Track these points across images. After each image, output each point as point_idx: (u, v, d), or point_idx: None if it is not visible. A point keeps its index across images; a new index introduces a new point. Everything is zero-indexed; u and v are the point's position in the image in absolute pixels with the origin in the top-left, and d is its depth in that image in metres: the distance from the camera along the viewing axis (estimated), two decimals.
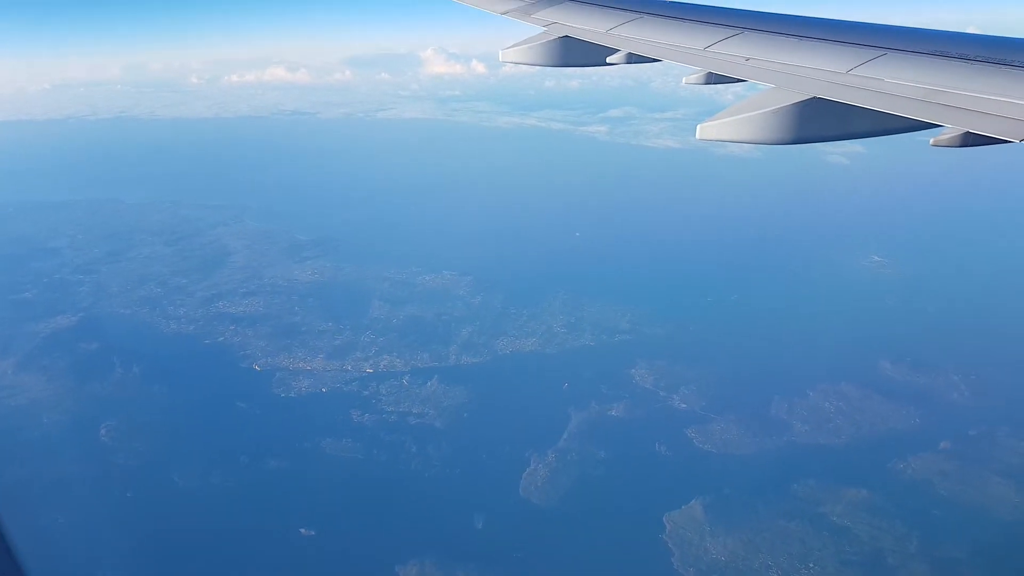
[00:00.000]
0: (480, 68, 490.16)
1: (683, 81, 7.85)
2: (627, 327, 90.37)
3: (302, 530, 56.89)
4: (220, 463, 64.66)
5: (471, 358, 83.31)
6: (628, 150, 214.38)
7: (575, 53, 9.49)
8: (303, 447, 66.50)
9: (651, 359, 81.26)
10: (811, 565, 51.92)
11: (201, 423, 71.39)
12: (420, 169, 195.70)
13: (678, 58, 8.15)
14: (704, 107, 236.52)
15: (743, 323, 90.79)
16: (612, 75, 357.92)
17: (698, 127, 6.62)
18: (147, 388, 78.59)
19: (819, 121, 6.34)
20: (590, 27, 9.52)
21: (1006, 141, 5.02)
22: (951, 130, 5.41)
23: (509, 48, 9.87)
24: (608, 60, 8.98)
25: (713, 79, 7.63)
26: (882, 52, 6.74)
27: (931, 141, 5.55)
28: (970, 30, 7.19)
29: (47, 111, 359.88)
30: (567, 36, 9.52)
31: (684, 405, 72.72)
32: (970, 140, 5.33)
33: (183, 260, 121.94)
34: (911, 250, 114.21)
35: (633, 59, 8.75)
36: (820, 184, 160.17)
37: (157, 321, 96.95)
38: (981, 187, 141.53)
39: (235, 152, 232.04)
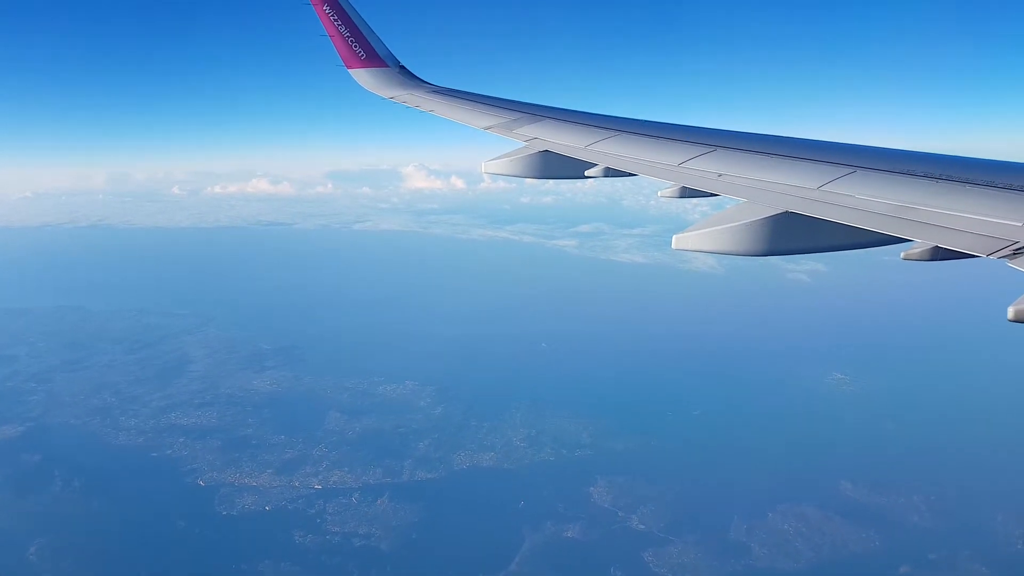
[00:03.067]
0: (459, 184, 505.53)
1: (658, 194, 8.02)
2: (588, 441, 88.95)
3: None
4: None
5: (426, 473, 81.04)
6: (596, 264, 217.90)
7: (554, 166, 9.81)
8: (239, 569, 63.17)
9: (611, 476, 79.55)
10: None
11: (137, 542, 67.96)
12: (391, 279, 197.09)
13: (653, 173, 8.39)
14: (672, 225, 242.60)
15: (705, 439, 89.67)
16: (585, 192, 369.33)
17: (674, 237, 6.69)
18: (86, 504, 75.36)
19: (792, 234, 6.47)
20: (569, 142, 9.92)
21: (974, 256, 5.18)
22: (921, 244, 5.56)
23: (491, 160, 10.17)
24: (586, 173, 9.23)
25: (687, 193, 7.81)
26: (851, 169, 6.95)
27: (902, 255, 5.66)
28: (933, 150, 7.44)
29: (25, 218, 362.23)
30: (547, 150, 9.89)
31: (642, 526, 70.59)
32: (939, 255, 5.48)
33: (142, 369, 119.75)
34: (872, 367, 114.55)
35: (610, 173, 8.99)
36: (782, 301, 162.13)
37: (106, 432, 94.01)
38: (944, 304, 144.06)
39: (208, 261, 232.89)
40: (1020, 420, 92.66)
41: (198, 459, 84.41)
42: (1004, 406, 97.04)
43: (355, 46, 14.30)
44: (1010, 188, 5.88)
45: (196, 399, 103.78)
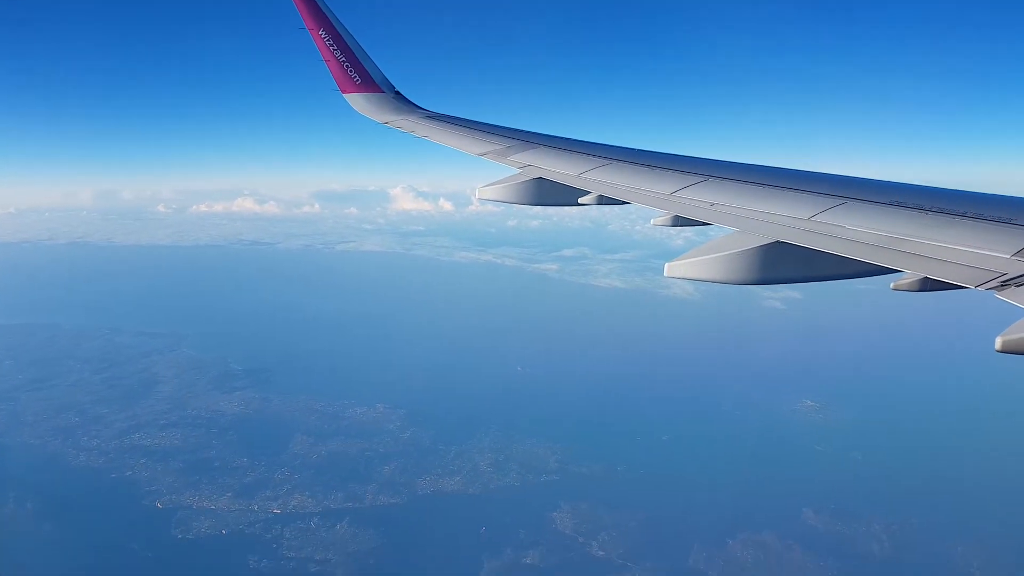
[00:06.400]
0: (447, 206, 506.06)
1: (652, 222, 8.08)
2: (555, 466, 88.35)
3: None
4: None
5: (388, 498, 79.97)
6: (575, 288, 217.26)
7: (548, 193, 9.88)
8: None
9: (575, 501, 78.95)
10: None
11: (86, 567, 66.48)
12: (369, 300, 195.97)
13: (646, 201, 8.44)
14: (655, 250, 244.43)
15: (671, 464, 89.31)
16: (572, 217, 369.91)
17: (666, 265, 6.72)
18: (37, 526, 73.67)
19: (782, 264, 6.52)
20: (563, 170, 9.97)
21: (963, 287, 5.27)
22: (910, 275, 5.62)
23: (486, 186, 10.17)
24: (580, 201, 9.29)
25: (680, 222, 7.85)
26: (842, 201, 7.03)
27: (892, 285, 5.71)
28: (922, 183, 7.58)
29: (4, 234, 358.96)
30: (541, 178, 9.95)
31: (602, 552, 69.96)
32: (928, 286, 5.56)
33: (109, 389, 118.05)
34: (844, 395, 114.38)
35: (603, 201, 9.04)
36: (757, 327, 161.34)
37: (67, 452, 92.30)
38: (923, 334, 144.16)
39: (184, 280, 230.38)
40: (988, 453, 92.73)
41: (158, 481, 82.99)
42: (975, 438, 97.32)
43: (350, 71, 14.36)
44: (998, 220, 5.98)
45: (161, 420, 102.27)
